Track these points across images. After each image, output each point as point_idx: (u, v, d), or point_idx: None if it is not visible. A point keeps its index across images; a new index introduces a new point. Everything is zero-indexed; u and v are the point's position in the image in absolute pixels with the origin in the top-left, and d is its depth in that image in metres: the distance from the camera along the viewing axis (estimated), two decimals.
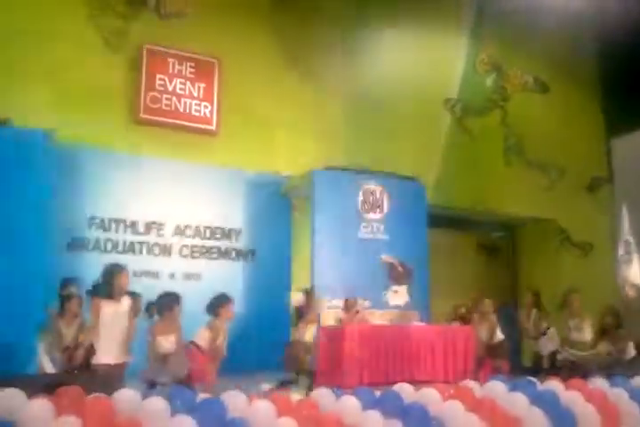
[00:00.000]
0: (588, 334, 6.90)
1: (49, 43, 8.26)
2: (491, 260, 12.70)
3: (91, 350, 5.13)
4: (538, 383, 4.02)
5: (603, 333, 6.76)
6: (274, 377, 7.89)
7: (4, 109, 7.46)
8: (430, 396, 3.68)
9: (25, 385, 3.32)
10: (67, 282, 6.28)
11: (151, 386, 4.92)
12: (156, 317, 5.14)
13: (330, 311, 8.15)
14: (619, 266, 7.87)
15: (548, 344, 7.15)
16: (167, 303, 5.12)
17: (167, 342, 4.99)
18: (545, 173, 12.15)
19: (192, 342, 5.27)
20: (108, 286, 5.15)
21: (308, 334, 6.46)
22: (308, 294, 6.87)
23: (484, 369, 6.97)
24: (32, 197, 6.89)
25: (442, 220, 11.34)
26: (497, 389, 3.89)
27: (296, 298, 6.86)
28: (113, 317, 5.10)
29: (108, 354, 5.07)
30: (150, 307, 5.16)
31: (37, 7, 8.29)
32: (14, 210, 6.80)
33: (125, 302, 5.23)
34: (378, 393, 3.73)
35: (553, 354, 7.09)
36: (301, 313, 6.60)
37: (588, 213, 12.12)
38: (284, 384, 5.90)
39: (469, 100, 11.63)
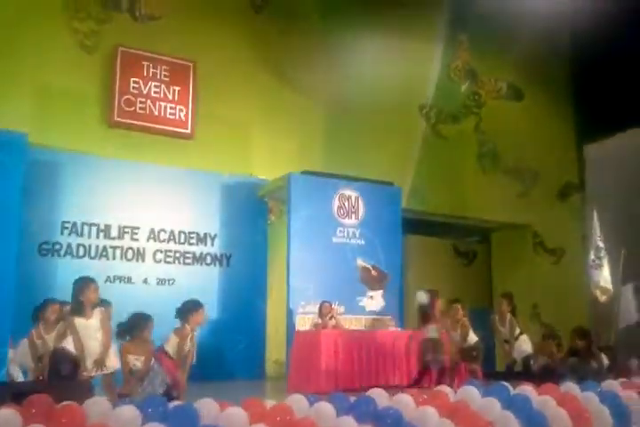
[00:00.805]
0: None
1: (22, 45, 8.15)
2: (466, 265, 12.80)
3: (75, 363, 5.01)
4: (511, 388, 4.05)
5: (573, 355, 6.78)
6: (249, 383, 7.88)
7: None
8: (405, 401, 3.68)
9: None
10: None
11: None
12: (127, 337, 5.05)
13: (305, 316, 8.14)
14: (590, 271, 7.98)
15: (521, 349, 7.21)
16: (138, 325, 5.02)
17: (138, 362, 4.93)
18: (519, 178, 12.30)
19: (160, 348, 5.21)
20: (79, 302, 5.08)
21: (433, 332, 6.53)
22: (433, 293, 6.89)
23: (459, 374, 7.00)
24: (3, 200, 6.75)
25: (417, 225, 11.42)
26: (471, 394, 3.90)
27: (421, 297, 6.85)
28: (85, 332, 5.04)
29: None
30: (121, 328, 5.07)
31: (11, 7, 8.19)
32: None
33: (97, 315, 5.16)
34: (352, 399, 3.72)
35: (526, 359, 7.15)
36: (426, 312, 6.63)
37: (560, 219, 12.30)
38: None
39: (444, 106, 11.73)
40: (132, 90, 8.86)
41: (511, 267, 12.25)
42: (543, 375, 6.13)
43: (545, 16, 11.06)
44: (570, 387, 4.20)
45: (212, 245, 9.09)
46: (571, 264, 11.88)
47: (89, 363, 4.98)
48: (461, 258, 12.76)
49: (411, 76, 11.37)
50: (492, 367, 9.11)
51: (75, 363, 4.92)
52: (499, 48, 12.00)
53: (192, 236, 8.95)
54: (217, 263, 9.09)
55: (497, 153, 12.17)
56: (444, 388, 4.16)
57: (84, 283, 5.17)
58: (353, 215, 9.07)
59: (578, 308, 10.47)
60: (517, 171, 12.27)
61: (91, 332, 5.05)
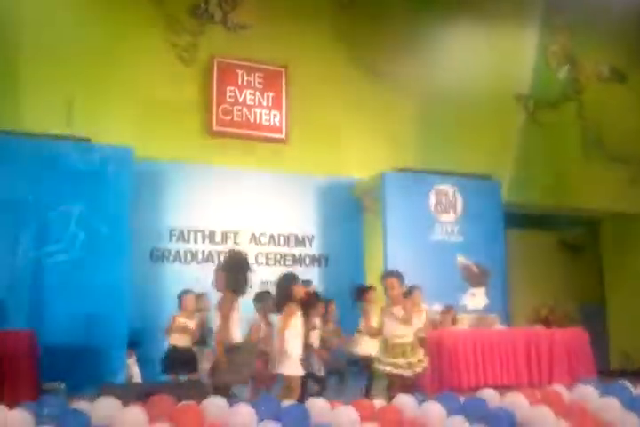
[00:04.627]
0: None
1: (126, 61, 8.61)
2: (573, 258, 12.27)
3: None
4: (632, 388, 3.85)
5: None
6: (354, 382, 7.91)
7: (88, 127, 7.86)
8: (517, 401, 3.59)
9: (120, 394, 3.47)
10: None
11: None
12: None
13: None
14: None
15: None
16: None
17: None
18: (627, 165, 11.64)
19: None
20: (283, 297, 4.86)
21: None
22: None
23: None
24: (115, 212, 7.22)
25: (520, 219, 11.05)
26: (587, 393, 3.76)
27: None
28: (297, 327, 4.87)
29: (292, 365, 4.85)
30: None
31: (114, 27, 8.66)
32: (99, 224, 7.16)
33: (299, 316, 4.90)
34: (462, 399, 3.68)
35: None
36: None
37: None
38: None
39: (542, 94, 11.28)
40: (228, 99, 9.13)
41: (623, 259, 11.61)
42: None
43: None
44: None
45: (311, 246, 9.23)
46: None
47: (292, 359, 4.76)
48: (569, 251, 12.23)
49: (505, 65, 11.02)
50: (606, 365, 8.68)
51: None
52: (597, 29, 11.40)
53: (291, 238, 9.13)
54: (316, 264, 9.22)
55: (602, 139, 11.56)
56: (559, 387, 4.02)
57: (292, 279, 4.93)
58: (451, 211, 8.91)
59: None
60: (625, 157, 11.61)
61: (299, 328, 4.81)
